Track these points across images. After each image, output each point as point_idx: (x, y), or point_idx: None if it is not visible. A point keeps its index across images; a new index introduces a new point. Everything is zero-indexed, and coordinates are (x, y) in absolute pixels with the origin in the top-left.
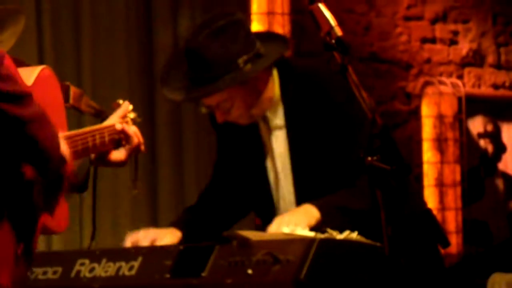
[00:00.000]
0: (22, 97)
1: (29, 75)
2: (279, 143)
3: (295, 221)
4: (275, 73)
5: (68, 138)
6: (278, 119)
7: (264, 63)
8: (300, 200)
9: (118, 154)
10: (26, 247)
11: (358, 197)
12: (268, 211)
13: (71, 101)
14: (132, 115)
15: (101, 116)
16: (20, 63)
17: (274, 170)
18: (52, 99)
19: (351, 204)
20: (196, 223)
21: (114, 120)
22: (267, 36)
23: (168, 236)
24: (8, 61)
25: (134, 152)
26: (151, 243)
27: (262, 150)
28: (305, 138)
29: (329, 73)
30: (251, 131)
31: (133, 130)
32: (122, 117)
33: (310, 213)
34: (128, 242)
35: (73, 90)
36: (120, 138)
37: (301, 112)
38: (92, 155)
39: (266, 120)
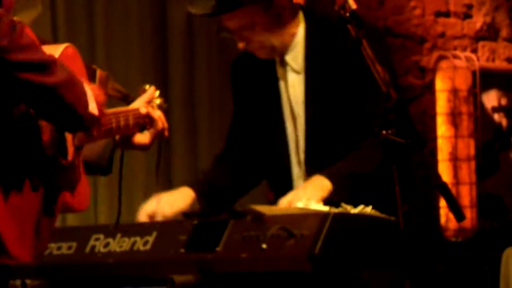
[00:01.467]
0: (46, 64)
1: (52, 52)
2: (295, 89)
3: (308, 195)
4: (301, 15)
5: None
6: (297, 64)
7: None
8: (309, 150)
9: (143, 138)
10: (47, 225)
11: (366, 161)
12: (284, 166)
13: (97, 84)
14: (158, 101)
15: (127, 100)
16: (43, 42)
17: (292, 117)
18: None
19: (361, 169)
20: (211, 185)
21: (139, 104)
22: None
23: (180, 200)
24: (29, 30)
25: (158, 137)
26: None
27: (279, 98)
28: (322, 86)
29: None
30: (269, 78)
31: (158, 114)
32: (148, 101)
33: (322, 185)
34: (143, 216)
35: (99, 73)
36: (144, 122)
37: (322, 59)
38: (117, 137)
39: (284, 64)
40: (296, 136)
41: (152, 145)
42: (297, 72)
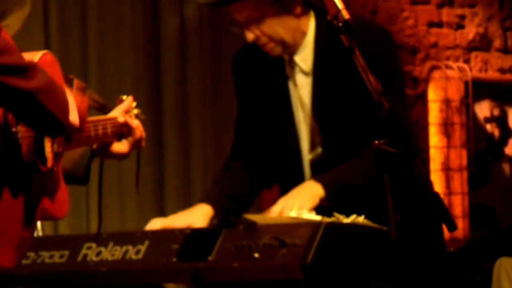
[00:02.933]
0: (24, 68)
1: (30, 59)
2: (303, 90)
3: (299, 203)
4: (312, 15)
5: None
6: (307, 65)
7: None
8: (316, 159)
9: (121, 146)
10: (27, 231)
11: (363, 171)
12: (294, 166)
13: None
14: (135, 111)
15: (105, 110)
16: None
17: (298, 119)
18: None
19: (356, 180)
20: (229, 195)
21: (117, 113)
22: None
23: (200, 219)
24: (6, 34)
25: (136, 146)
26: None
27: (288, 98)
28: (330, 88)
29: (370, 26)
30: (277, 76)
31: (136, 123)
32: (126, 111)
33: (314, 191)
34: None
35: (76, 83)
36: (122, 131)
37: (331, 61)
38: (94, 146)
39: (292, 64)
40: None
41: (130, 154)
42: (305, 73)
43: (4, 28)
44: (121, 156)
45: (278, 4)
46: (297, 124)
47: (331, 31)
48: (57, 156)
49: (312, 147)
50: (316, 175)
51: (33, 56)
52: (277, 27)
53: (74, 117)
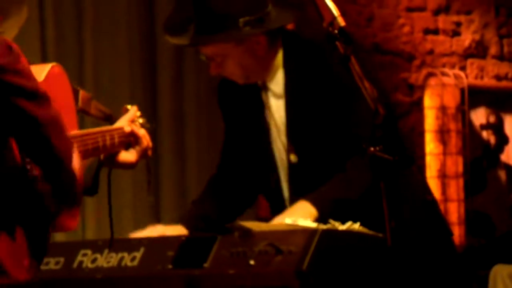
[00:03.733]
0: (41, 97)
1: (39, 72)
2: (279, 112)
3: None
4: (280, 45)
5: (78, 136)
6: (278, 87)
7: (262, 28)
8: (292, 174)
9: (129, 156)
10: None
11: (350, 185)
12: (275, 187)
13: (80, 104)
14: (140, 120)
15: (110, 120)
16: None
17: (276, 142)
18: (62, 97)
19: (346, 195)
20: (204, 216)
21: (123, 123)
22: (283, 1)
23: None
24: (24, 59)
25: (144, 155)
26: None
27: (264, 122)
28: (303, 109)
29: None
30: (254, 102)
31: (142, 132)
32: (131, 120)
33: (308, 211)
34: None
35: (82, 93)
36: (129, 141)
37: (301, 82)
38: (101, 156)
39: (266, 89)
40: (282, 158)
41: (138, 163)
42: (278, 97)
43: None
44: (128, 166)
45: (242, 46)
46: (274, 148)
47: (327, 38)
48: None
49: (289, 168)
50: (306, 195)
51: (42, 69)
52: (239, 65)
53: (76, 164)
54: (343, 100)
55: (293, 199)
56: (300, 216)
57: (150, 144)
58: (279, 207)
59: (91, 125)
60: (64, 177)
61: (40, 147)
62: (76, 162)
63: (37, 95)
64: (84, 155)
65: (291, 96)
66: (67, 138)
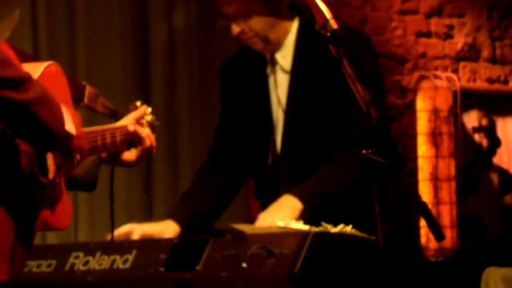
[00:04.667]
0: (18, 81)
1: (34, 70)
2: (281, 88)
3: (280, 218)
4: (297, 18)
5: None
6: (286, 63)
7: None
8: (285, 152)
9: (129, 155)
10: (24, 243)
11: (336, 178)
12: (266, 164)
13: (86, 100)
14: (149, 118)
15: (116, 116)
16: (28, 57)
17: (276, 117)
18: (59, 95)
19: (331, 188)
20: (194, 210)
21: (127, 121)
22: None
23: (166, 233)
24: (3, 47)
25: (145, 155)
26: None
27: (267, 97)
28: (305, 88)
29: (351, 33)
30: (259, 77)
31: (146, 133)
32: (137, 119)
33: (293, 205)
34: (118, 232)
35: (88, 90)
36: (132, 140)
37: (310, 61)
38: (103, 154)
39: (274, 63)
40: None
41: (138, 163)
42: (285, 71)
43: None
44: (129, 164)
45: (266, 3)
46: (274, 122)
47: (319, 40)
48: (59, 168)
49: (285, 145)
50: (292, 189)
51: (37, 67)
52: (263, 24)
53: (70, 127)
54: (346, 93)
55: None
56: (285, 210)
57: (154, 143)
58: (274, 187)
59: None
60: (61, 144)
61: (31, 125)
62: (70, 120)
63: (18, 81)
64: (83, 154)
65: (297, 72)
66: (55, 109)
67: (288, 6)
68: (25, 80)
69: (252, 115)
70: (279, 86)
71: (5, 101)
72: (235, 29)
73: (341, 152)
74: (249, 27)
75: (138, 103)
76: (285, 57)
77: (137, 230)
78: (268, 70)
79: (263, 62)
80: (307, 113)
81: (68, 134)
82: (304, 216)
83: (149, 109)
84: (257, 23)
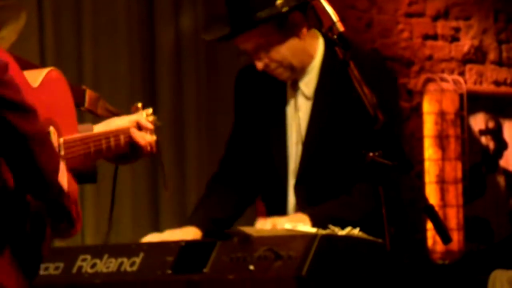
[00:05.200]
0: (28, 110)
1: (35, 77)
2: (302, 113)
3: (284, 222)
4: (320, 40)
5: (78, 140)
6: (309, 89)
7: (298, 1)
8: (302, 178)
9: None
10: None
11: (351, 208)
12: (277, 187)
13: (86, 105)
14: (150, 119)
15: None
16: (25, 64)
17: (291, 142)
18: (60, 101)
19: (344, 215)
20: (211, 215)
21: (129, 123)
22: None
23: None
24: (13, 70)
25: (144, 156)
26: None
27: (284, 120)
28: (328, 115)
29: (378, 63)
30: (277, 98)
31: (145, 139)
32: (138, 121)
33: (301, 219)
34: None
35: (89, 93)
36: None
37: (334, 88)
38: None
39: (295, 88)
40: (291, 162)
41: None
42: (307, 97)
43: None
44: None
45: (284, 29)
46: (289, 147)
47: (326, 43)
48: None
49: (300, 171)
50: (305, 208)
51: (39, 73)
52: (285, 52)
53: (63, 180)
54: (367, 124)
55: (297, 207)
56: (291, 219)
57: (154, 149)
58: (280, 210)
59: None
60: (50, 194)
61: (24, 161)
62: (66, 181)
63: (23, 108)
64: (86, 158)
65: (320, 99)
66: (53, 155)
67: (306, 25)
68: (29, 109)
69: (266, 134)
70: (300, 110)
71: (7, 123)
72: (259, 64)
73: (360, 184)
74: (271, 59)
75: (139, 105)
76: (308, 83)
77: (160, 238)
78: (288, 93)
79: (283, 82)
80: (328, 141)
81: (60, 186)
82: None
83: (150, 110)
84: (279, 53)
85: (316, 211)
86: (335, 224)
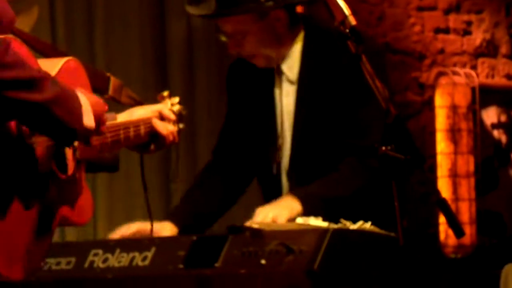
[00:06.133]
0: (34, 81)
1: (52, 66)
2: (289, 99)
3: (276, 214)
4: (301, 30)
5: None
6: (293, 73)
7: (284, 1)
8: (293, 163)
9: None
10: (41, 242)
11: (340, 184)
12: (271, 173)
13: (110, 92)
14: (176, 108)
15: None
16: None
17: (282, 128)
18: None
19: (334, 192)
20: (193, 210)
21: (151, 113)
22: None
23: (163, 232)
24: (16, 47)
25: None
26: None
27: (273, 107)
28: (313, 99)
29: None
30: (265, 85)
31: (168, 129)
32: (161, 111)
33: (292, 206)
34: (117, 234)
35: (113, 81)
36: (156, 132)
37: (317, 71)
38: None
39: (280, 73)
40: (282, 139)
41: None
42: (291, 82)
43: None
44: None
45: (264, 21)
46: (279, 132)
47: (338, 37)
48: (79, 162)
49: (294, 156)
50: (294, 190)
51: (56, 63)
52: (260, 43)
53: (88, 120)
54: (352, 102)
55: (292, 188)
56: (283, 209)
57: (177, 139)
58: (275, 195)
59: None
60: (80, 138)
61: (48, 126)
62: (89, 110)
63: (34, 81)
64: (103, 148)
65: (304, 83)
66: (72, 104)
67: (288, 21)
68: (39, 80)
69: (256, 122)
70: (286, 96)
71: (20, 102)
72: (232, 47)
73: (347, 160)
74: (246, 46)
75: (166, 93)
76: (291, 67)
77: (132, 228)
78: (275, 79)
79: (271, 69)
80: (316, 123)
81: (86, 129)
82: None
83: (177, 99)
84: (254, 43)
85: (306, 193)
86: (327, 203)
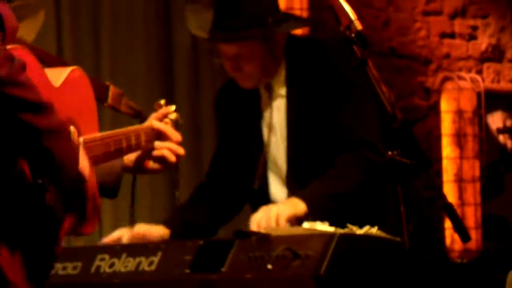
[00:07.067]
0: (45, 107)
1: (57, 76)
2: (280, 113)
3: (279, 210)
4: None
5: (98, 139)
6: (281, 88)
7: (290, 27)
8: (291, 173)
9: (154, 165)
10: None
11: (339, 180)
12: (261, 191)
13: (109, 101)
14: (173, 116)
15: (140, 117)
16: (47, 57)
17: (269, 140)
18: (82, 101)
19: (335, 189)
20: (185, 222)
21: (151, 121)
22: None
23: (154, 232)
24: (33, 69)
25: (169, 165)
26: (133, 239)
27: (260, 123)
28: (303, 109)
29: (337, 45)
30: (253, 102)
31: (170, 130)
32: (160, 117)
33: (296, 204)
34: (109, 238)
35: (112, 90)
36: (158, 138)
37: (302, 78)
38: (130, 163)
39: (269, 89)
40: (278, 159)
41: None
42: (281, 96)
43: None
44: (155, 172)
45: (267, 46)
46: (268, 147)
47: (344, 42)
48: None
49: (289, 164)
50: (296, 192)
51: (61, 72)
52: (259, 65)
53: (84, 169)
54: (341, 98)
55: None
56: (289, 207)
57: (180, 138)
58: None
59: (127, 125)
60: (70, 186)
61: (43, 156)
62: (85, 163)
63: (40, 107)
64: (106, 157)
65: (292, 97)
66: (70, 143)
67: (284, 43)
68: (46, 107)
69: (245, 142)
70: (278, 111)
71: (23, 125)
72: (233, 70)
73: (342, 156)
74: (245, 68)
75: (162, 102)
76: (278, 82)
77: (126, 234)
78: (263, 96)
79: (255, 90)
80: (309, 132)
81: (80, 176)
82: (308, 218)
83: (173, 107)
84: (255, 65)
85: (308, 193)
86: (332, 201)
